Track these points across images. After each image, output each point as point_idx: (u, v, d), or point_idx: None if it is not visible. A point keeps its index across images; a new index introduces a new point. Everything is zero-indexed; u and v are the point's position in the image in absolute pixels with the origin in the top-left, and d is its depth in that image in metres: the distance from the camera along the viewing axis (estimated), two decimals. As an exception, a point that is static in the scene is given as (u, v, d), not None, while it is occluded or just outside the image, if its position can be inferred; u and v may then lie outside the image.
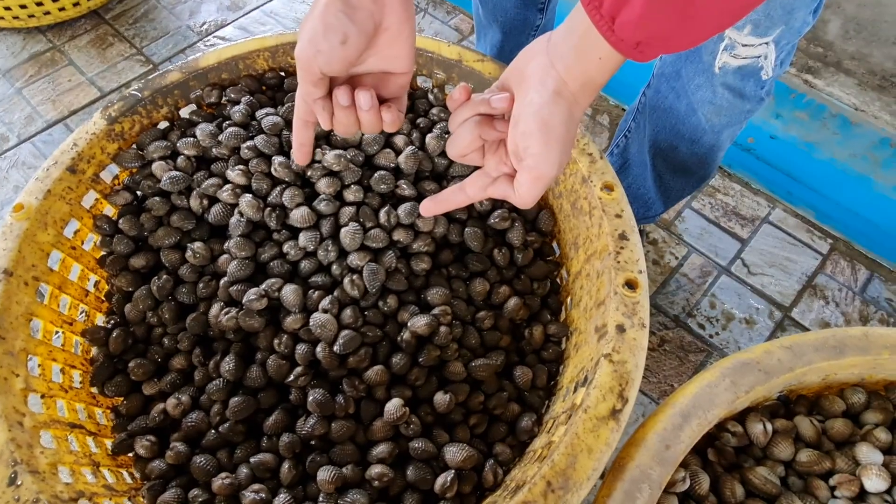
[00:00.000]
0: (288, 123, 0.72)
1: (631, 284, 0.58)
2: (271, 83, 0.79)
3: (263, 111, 0.73)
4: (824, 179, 1.19)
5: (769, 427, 0.57)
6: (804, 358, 0.55)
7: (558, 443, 0.52)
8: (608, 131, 1.33)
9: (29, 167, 1.25)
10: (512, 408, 0.66)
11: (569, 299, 0.72)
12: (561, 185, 0.71)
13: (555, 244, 0.77)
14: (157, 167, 0.70)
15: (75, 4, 1.45)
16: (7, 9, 1.39)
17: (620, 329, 0.55)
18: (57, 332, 0.65)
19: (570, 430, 0.51)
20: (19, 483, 0.49)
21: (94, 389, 0.66)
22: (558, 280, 0.76)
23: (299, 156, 0.52)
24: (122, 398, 0.66)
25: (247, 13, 1.53)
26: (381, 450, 0.60)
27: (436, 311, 0.65)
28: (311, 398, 0.61)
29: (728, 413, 0.55)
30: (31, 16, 1.42)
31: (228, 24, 1.50)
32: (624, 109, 1.36)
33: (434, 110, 0.76)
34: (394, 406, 0.61)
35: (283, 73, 0.80)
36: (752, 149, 1.25)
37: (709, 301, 1.09)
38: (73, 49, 1.44)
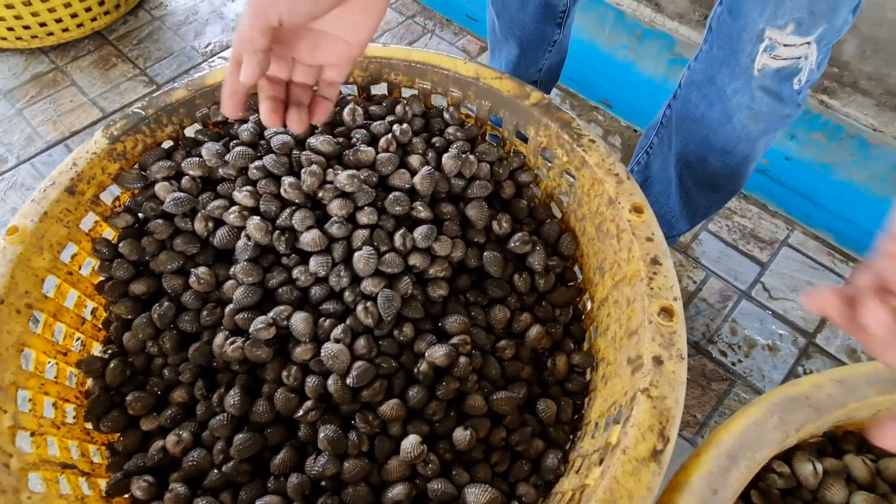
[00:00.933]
0: (298, 142, 0.69)
1: (667, 312, 0.54)
2: (280, 101, 0.76)
3: (272, 130, 0.70)
4: (843, 201, 1.17)
5: (819, 467, 0.53)
6: (857, 392, 0.51)
7: (594, 487, 0.47)
8: (620, 152, 1.30)
9: (27, 189, 1.21)
10: (536, 444, 0.61)
11: (593, 327, 0.69)
12: (584, 206, 0.67)
13: (577, 268, 0.73)
14: (160, 188, 0.66)
15: (79, 25, 1.44)
16: (10, 29, 1.38)
17: (657, 361, 0.51)
18: (50, 363, 0.60)
19: (608, 474, 0.47)
20: (3, 534, 0.45)
21: (88, 425, 0.62)
22: (581, 307, 0.72)
23: (229, 104, 0.46)
24: (118, 434, 0.62)
25: (252, 34, 1.51)
26: (397, 491, 0.55)
27: (454, 340, 0.61)
28: (321, 435, 0.56)
29: (776, 452, 0.51)
30: (34, 36, 1.41)
31: (234, 45, 1.48)
32: (636, 130, 1.34)
33: (450, 129, 0.73)
34: (411, 444, 0.56)
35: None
36: (768, 170, 1.22)
37: (730, 327, 1.05)
38: (75, 70, 1.43)
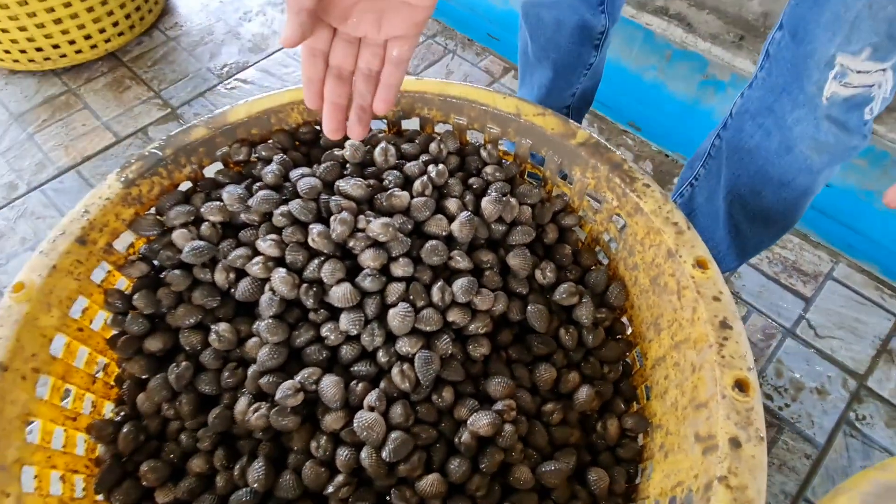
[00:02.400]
0: (326, 185, 0.64)
1: (741, 385, 0.48)
2: (306, 138, 0.71)
3: (298, 171, 0.65)
4: (887, 231, 1.10)
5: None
6: (966, 482, 0.45)
7: None
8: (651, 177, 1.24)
9: (37, 217, 1.17)
10: (587, 521, 0.56)
11: (644, 386, 0.63)
12: (637, 255, 0.62)
13: (625, 319, 0.68)
14: (177, 236, 0.61)
15: (92, 47, 1.40)
16: (22, 52, 1.35)
17: (735, 443, 0.46)
18: (57, 431, 0.55)
19: (687, 581, 0.41)
20: None
21: (99, 497, 0.57)
22: (630, 361, 0.67)
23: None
24: (130, 507, 0.57)
25: (269, 55, 1.48)
26: (438, 580, 0.50)
27: (499, 406, 0.56)
28: (354, 515, 0.51)
29: (874, 552, 0.45)
30: (46, 58, 1.38)
31: (250, 66, 1.45)
32: (667, 155, 1.29)
33: (488, 168, 0.68)
34: (453, 526, 0.51)
35: (318, 127, 0.72)
36: (809, 198, 1.17)
37: (775, 368, 0.99)
38: (88, 92, 1.39)
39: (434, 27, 1.55)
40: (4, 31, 1.29)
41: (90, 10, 1.34)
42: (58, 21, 1.31)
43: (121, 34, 1.44)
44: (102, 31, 1.39)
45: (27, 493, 0.49)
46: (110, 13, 1.38)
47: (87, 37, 1.38)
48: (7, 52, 1.35)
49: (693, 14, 1.25)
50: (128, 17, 1.43)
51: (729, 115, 0.74)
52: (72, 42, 1.37)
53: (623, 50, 1.33)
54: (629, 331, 0.67)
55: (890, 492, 0.45)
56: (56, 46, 1.36)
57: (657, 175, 1.25)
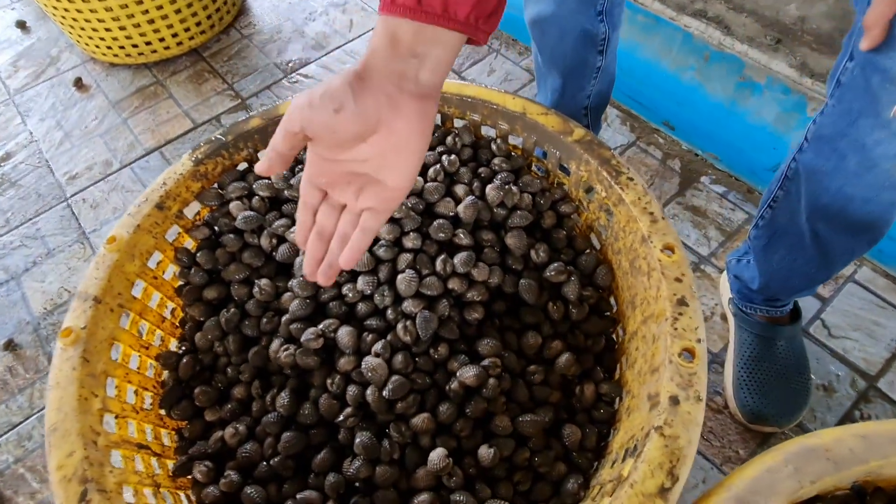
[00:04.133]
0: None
1: (689, 353, 0.56)
2: (343, 129, 0.83)
3: (333, 157, 0.77)
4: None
5: (838, 522, 0.52)
6: (880, 450, 0.51)
7: (601, 516, 0.50)
8: (678, 176, 1.29)
9: (127, 191, 1.37)
10: (558, 468, 0.64)
11: (624, 359, 0.70)
12: (620, 241, 0.70)
13: (612, 299, 0.75)
14: (233, 206, 0.75)
15: (178, 43, 1.59)
16: (121, 48, 1.55)
17: (674, 401, 0.53)
18: (134, 356, 0.70)
19: (615, 505, 0.49)
20: (89, 500, 0.53)
21: (162, 411, 0.71)
22: (614, 337, 0.74)
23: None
24: (186, 422, 0.71)
25: (329, 52, 1.62)
26: (422, 499, 0.60)
27: (486, 362, 0.66)
28: (357, 440, 0.62)
29: (791, 503, 0.51)
30: (140, 53, 1.58)
31: (311, 62, 1.59)
32: (697, 154, 1.32)
33: (496, 160, 0.77)
34: (437, 456, 0.61)
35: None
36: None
37: (782, 363, 1.02)
38: (173, 84, 1.58)
39: (482, 27, 1.63)
40: (108, 29, 1.50)
41: (178, 11, 1.52)
42: (150, 21, 1.50)
43: (202, 32, 1.62)
44: (187, 29, 1.58)
45: (110, 397, 0.63)
46: (195, 14, 1.56)
47: (175, 35, 1.57)
48: (109, 48, 1.56)
49: (731, 17, 1.27)
50: (209, 17, 1.61)
51: (804, 138, 0.73)
52: (161, 39, 1.56)
53: (662, 51, 1.37)
54: (615, 309, 0.74)
55: (810, 452, 0.51)
56: (148, 43, 1.55)
57: (685, 173, 1.29)
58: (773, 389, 0.94)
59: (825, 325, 1.06)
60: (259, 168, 0.49)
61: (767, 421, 0.93)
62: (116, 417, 0.63)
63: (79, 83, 1.60)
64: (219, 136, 0.78)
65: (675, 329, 0.57)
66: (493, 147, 0.79)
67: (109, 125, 1.51)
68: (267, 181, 0.76)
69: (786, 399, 0.94)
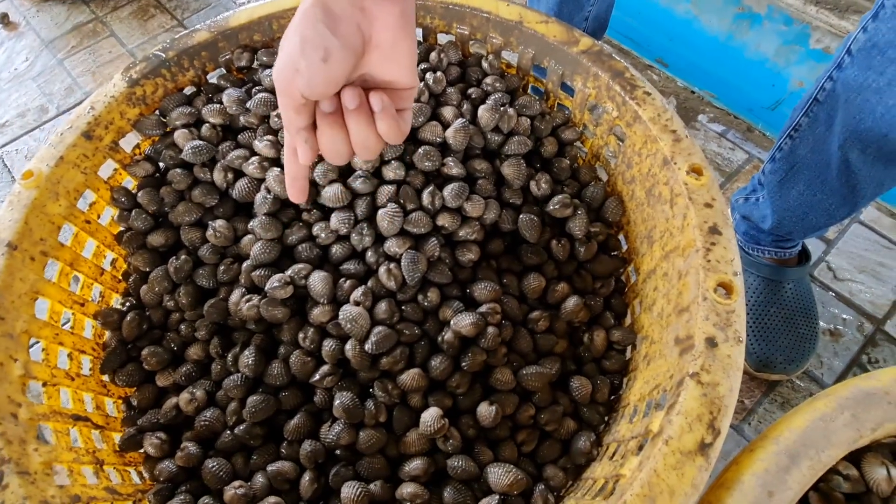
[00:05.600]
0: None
1: (724, 288, 0.48)
2: (308, 47, 0.71)
3: (297, 76, 0.65)
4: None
5: (894, 473, 0.46)
6: (949, 391, 0.44)
7: (630, 479, 0.42)
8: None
9: (66, 139, 1.21)
10: (567, 424, 0.57)
11: (637, 302, 0.62)
12: (634, 167, 0.61)
13: (621, 237, 0.67)
14: (179, 136, 0.63)
15: (118, -26, 1.41)
16: (51, -23, 1.37)
17: (711, 343, 0.45)
18: (66, 313, 0.59)
19: (647, 466, 0.41)
20: (4, 485, 0.43)
21: (105, 377, 0.60)
22: (624, 279, 0.66)
23: (293, 191, 0.47)
24: (134, 388, 0.60)
25: (290, -15, 1.46)
26: (414, 466, 0.52)
27: (483, 308, 0.57)
28: (337, 402, 0.53)
29: (845, 454, 0.44)
30: (74, -15, 1.40)
31: (271, -5, 1.44)
32: (693, 91, 1.24)
33: (488, 79, 0.67)
34: (431, 416, 0.52)
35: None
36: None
37: (787, 308, 0.97)
38: (114, 20, 1.41)
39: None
40: (33, -45, 1.31)
41: (115, -66, 1.34)
42: (84, -54, 1.32)
43: (146, -38, 1.44)
44: (127, -43, 1.40)
45: (35, 362, 0.52)
46: (135, -61, 1.38)
47: (113, -37, 1.39)
48: (37, -23, 1.37)
49: (731, -61, 1.17)
50: (152, -57, 1.43)
51: (845, 52, 0.64)
52: (98, -32, 1.38)
53: (655, -19, 1.27)
54: (625, 248, 0.66)
55: (868, 397, 0.44)
56: (83, -27, 1.37)
57: (681, 111, 1.20)
58: (780, 335, 0.89)
59: (830, 268, 1.01)
60: (302, 157, 0.43)
61: (775, 368, 0.88)
62: (45, 385, 0.53)
63: (5, 20, 1.42)
64: (157, 52, 0.65)
65: (708, 261, 0.49)
66: (485, 65, 0.68)
67: (43, 67, 1.34)
68: (218, 105, 0.64)
69: (793, 345, 0.89)
